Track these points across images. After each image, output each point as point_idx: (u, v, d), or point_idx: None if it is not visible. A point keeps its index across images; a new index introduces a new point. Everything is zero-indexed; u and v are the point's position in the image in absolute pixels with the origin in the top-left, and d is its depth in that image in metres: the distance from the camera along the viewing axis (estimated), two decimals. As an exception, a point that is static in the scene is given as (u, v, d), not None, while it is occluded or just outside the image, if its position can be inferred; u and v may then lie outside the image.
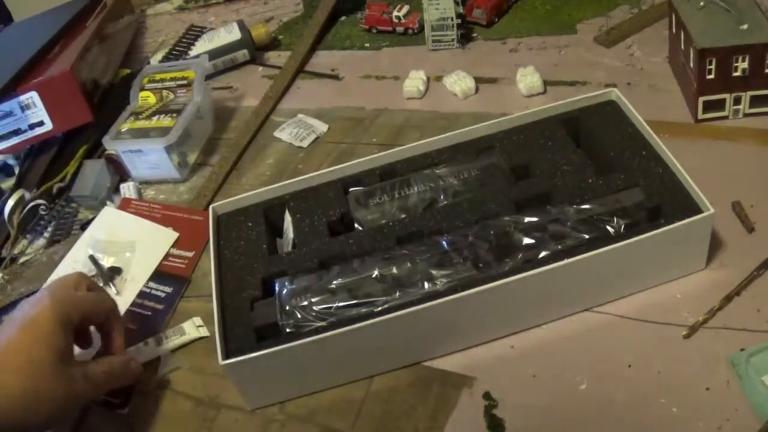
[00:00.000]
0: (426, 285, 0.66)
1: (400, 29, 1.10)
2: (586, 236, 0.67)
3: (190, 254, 0.83)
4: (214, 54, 1.10)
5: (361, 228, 0.74)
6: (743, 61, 0.78)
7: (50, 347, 0.61)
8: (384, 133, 0.94)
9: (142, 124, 0.94)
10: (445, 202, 0.74)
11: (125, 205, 0.91)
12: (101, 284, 0.80)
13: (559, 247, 0.66)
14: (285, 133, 0.97)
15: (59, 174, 0.96)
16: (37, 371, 0.60)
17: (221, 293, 0.70)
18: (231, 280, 0.71)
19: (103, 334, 0.70)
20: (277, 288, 0.68)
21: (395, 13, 1.10)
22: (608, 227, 0.67)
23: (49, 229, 0.92)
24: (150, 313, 0.78)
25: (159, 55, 1.14)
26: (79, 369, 0.64)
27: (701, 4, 0.83)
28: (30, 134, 0.98)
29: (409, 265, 0.67)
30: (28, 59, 1.00)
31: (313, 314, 0.66)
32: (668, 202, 0.68)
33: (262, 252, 0.73)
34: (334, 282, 0.67)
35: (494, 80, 0.98)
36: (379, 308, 0.65)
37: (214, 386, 0.70)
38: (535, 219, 0.68)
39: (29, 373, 0.60)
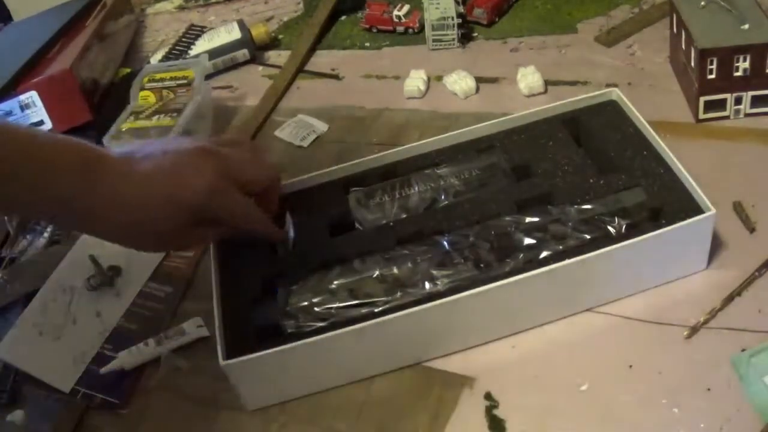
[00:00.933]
0: (427, 285, 0.66)
1: (400, 29, 1.10)
2: (587, 236, 0.67)
3: (190, 254, 0.83)
4: (214, 53, 1.10)
5: (361, 228, 0.74)
6: (744, 60, 0.78)
7: (189, 208, 0.62)
8: (384, 132, 0.94)
9: (142, 123, 0.94)
10: (446, 202, 0.74)
11: (125, 205, 0.90)
12: (101, 284, 0.80)
13: (560, 247, 0.66)
14: (285, 133, 0.97)
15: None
16: (171, 214, 0.61)
17: (221, 293, 0.70)
18: (231, 280, 0.71)
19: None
20: (277, 288, 0.68)
21: (395, 13, 1.10)
22: (609, 227, 0.67)
23: (49, 229, 0.92)
24: (150, 313, 0.78)
25: (159, 55, 1.14)
26: (203, 230, 0.65)
27: (702, 3, 0.82)
28: (30, 134, 0.97)
29: (409, 265, 0.67)
30: (27, 59, 1.00)
31: (314, 315, 0.66)
32: (669, 202, 0.68)
33: (263, 252, 0.73)
34: (335, 282, 0.67)
35: (495, 80, 0.98)
36: (380, 308, 0.65)
37: (214, 386, 0.70)
38: (536, 219, 0.68)
39: (164, 212, 0.61)
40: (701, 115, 0.83)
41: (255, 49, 1.12)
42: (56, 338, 0.77)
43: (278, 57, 1.13)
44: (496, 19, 1.08)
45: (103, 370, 0.73)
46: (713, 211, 0.65)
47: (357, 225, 0.74)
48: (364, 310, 0.65)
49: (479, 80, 0.97)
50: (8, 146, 0.57)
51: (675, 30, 0.87)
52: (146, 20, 1.31)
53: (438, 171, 0.77)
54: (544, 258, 0.66)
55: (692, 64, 0.81)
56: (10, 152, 0.57)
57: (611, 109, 0.78)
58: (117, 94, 1.06)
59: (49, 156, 0.58)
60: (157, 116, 0.94)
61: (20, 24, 1.25)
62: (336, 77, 1.06)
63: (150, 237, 0.64)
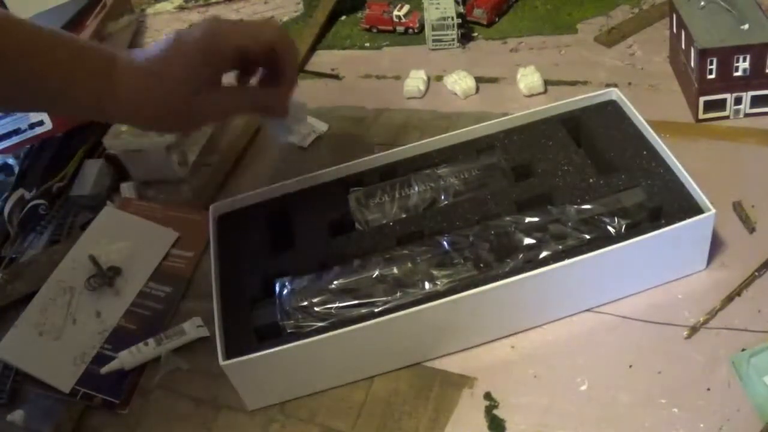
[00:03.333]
0: (427, 285, 0.66)
1: (400, 29, 1.10)
2: (587, 236, 0.67)
3: (190, 254, 0.83)
4: (214, 53, 1.09)
5: (361, 228, 0.74)
6: (744, 60, 0.78)
7: (187, 73, 0.65)
8: (384, 132, 0.94)
9: (142, 123, 0.94)
10: (446, 202, 0.74)
11: (125, 205, 0.90)
12: (101, 284, 0.80)
13: (560, 247, 0.66)
14: (285, 133, 0.97)
15: (59, 174, 0.96)
16: (170, 88, 0.65)
17: (221, 293, 0.70)
18: (231, 280, 0.71)
19: (271, 66, 0.70)
20: (277, 288, 0.68)
21: (395, 13, 1.10)
22: (609, 227, 0.67)
23: (49, 229, 0.92)
24: (150, 313, 0.78)
25: (159, 55, 1.14)
26: (210, 97, 0.67)
27: (702, 4, 0.82)
28: (30, 134, 0.97)
29: (409, 265, 0.67)
30: (27, 59, 0.99)
31: (314, 314, 0.66)
32: (669, 202, 0.68)
33: (263, 252, 0.73)
34: (335, 282, 0.67)
35: (495, 80, 0.98)
36: (380, 308, 0.65)
37: (214, 386, 0.70)
38: (535, 219, 0.68)
39: (160, 89, 0.65)
40: (701, 115, 0.83)
41: (255, 49, 1.12)
42: (56, 338, 0.77)
43: (278, 57, 1.13)
44: (496, 19, 1.08)
45: (103, 370, 0.73)
46: (713, 211, 0.65)
47: (357, 225, 0.74)
48: (364, 310, 0.65)
49: (479, 80, 0.97)
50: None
51: (675, 30, 0.87)
52: (146, 20, 1.30)
53: (438, 171, 0.77)
54: (544, 258, 0.66)
55: (692, 64, 0.81)
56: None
57: (611, 109, 0.78)
58: (117, 94, 1.06)
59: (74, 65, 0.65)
60: (157, 116, 0.94)
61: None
62: (336, 77, 1.06)
63: (172, 104, 0.66)
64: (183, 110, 0.66)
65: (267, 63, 0.69)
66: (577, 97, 0.79)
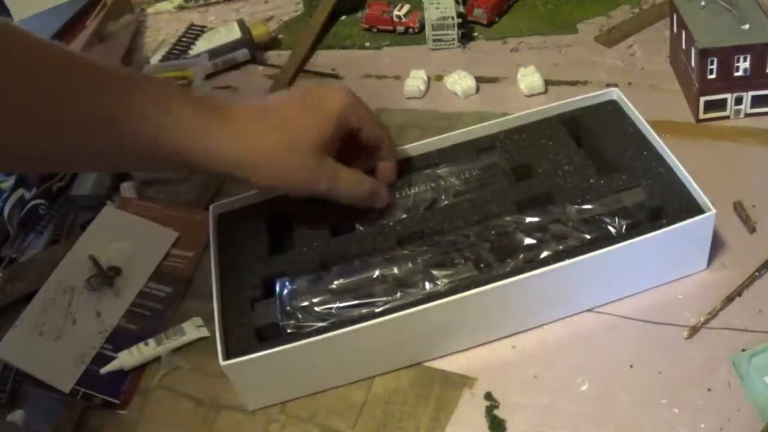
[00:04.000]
0: (427, 285, 0.66)
1: (400, 28, 1.10)
2: (588, 236, 0.67)
3: (190, 254, 0.83)
4: (214, 53, 1.09)
5: (361, 228, 0.74)
6: (744, 60, 0.78)
7: (319, 129, 0.63)
8: (384, 132, 0.94)
9: (142, 123, 0.94)
10: (446, 202, 0.74)
11: (125, 205, 0.90)
12: (101, 284, 0.80)
13: (561, 247, 0.66)
14: (285, 133, 0.97)
15: (59, 174, 0.96)
16: (295, 142, 0.62)
17: (221, 294, 0.70)
18: (231, 280, 0.71)
19: (372, 156, 0.71)
20: (277, 288, 0.68)
21: (396, 13, 1.10)
22: (610, 227, 0.67)
23: (49, 228, 0.92)
24: (150, 313, 0.78)
25: (159, 55, 1.14)
26: (331, 167, 0.65)
27: (702, 3, 0.82)
28: (30, 134, 0.97)
29: (410, 265, 0.67)
30: (27, 58, 0.99)
31: (314, 315, 0.66)
32: (670, 202, 0.68)
33: (263, 252, 0.73)
34: (335, 282, 0.67)
35: (495, 80, 0.98)
36: (380, 309, 0.65)
37: (214, 386, 0.70)
38: (536, 219, 0.68)
39: (287, 141, 0.62)
40: (701, 115, 0.83)
41: (255, 49, 1.12)
42: (56, 338, 0.77)
43: (278, 57, 1.12)
44: (496, 19, 1.08)
45: (103, 370, 0.73)
46: (713, 211, 0.65)
47: (357, 225, 0.74)
48: (364, 310, 0.65)
49: (479, 80, 0.97)
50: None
51: (675, 30, 0.87)
52: (146, 20, 1.30)
53: (438, 171, 0.77)
54: (545, 258, 0.66)
55: (692, 64, 0.81)
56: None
57: (611, 109, 0.78)
58: (117, 94, 1.06)
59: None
60: (157, 116, 0.94)
61: (20, 24, 1.25)
62: (336, 77, 1.06)
63: (296, 157, 0.64)
64: (304, 166, 0.64)
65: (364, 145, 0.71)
66: (577, 97, 0.79)
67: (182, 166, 0.65)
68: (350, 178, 0.68)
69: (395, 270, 0.67)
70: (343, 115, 0.66)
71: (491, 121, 0.79)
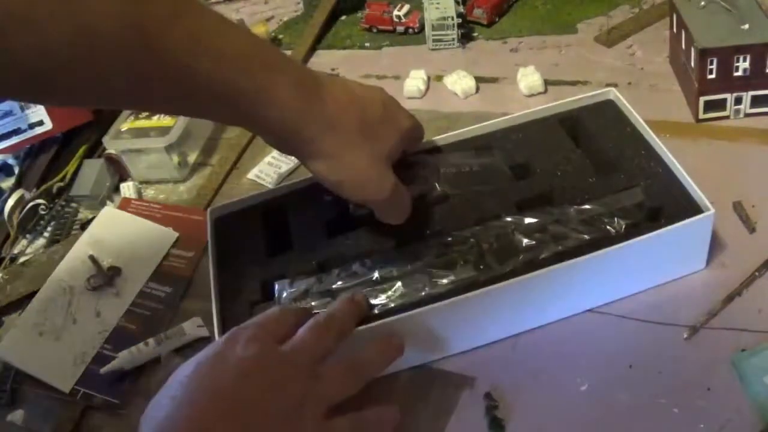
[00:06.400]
0: (427, 286, 0.66)
1: (400, 28, 1.10)
2: (587, 237, 0.66)
3: (190, 254, 0.83)
4: (214, 53, 1.09)
5: (360, 229, 0.73)
6: (744, 60, 0.78)
7: (395, 141, 0.66)
8: (384, 132, 0.94)
9: (142, 123, 0.94)
10: (446, 203, 0.74)
11: (125, 205, 0.90)
12: (101, 284, 0.80)
13: (560, 247, 0.66)
14: (285, 133, 0.97)
15: (59, 174, 0.96)
16: (377, 152, 0.64)
17: (221, 294, 0.70)
18: (230, 283, 0.71)
19: None
20: (276, 291, 0.68)
21: (395, 13, 1.10)
22: (609, 227, 0.67)
23: (49, 229, 0.92)
24: (150, 313, 0.78)
25: (159, 55, 1.14)
26: (394, 178, 0.66)
27: (702, 3, 0.82)
28: (30, 134, 0.98)
29: (409, 266, 0.67)
30: (27, 59, 0.99)
31: (314, 315, 0.66)
32: (669, 202, 0.68)
33: (261, 254, 0.72)
34: (334, 285, 0.67)
35: (495, 80, 0.98)
36: (379, 310, 0.65)
37: (215, 387, 0.70)
38: (535, 220, 0.68)
39: (372, 152, 0.64)
40: (701, 115, 0.83)
41: (255, 49, 1.12)
42: (56, 338, 0.77)
43: (278, 57, 1.12)
44: (496, 19, 1.08)
45: (103, 370, 0.73)
46: (712, 211, 0.65)
47: (356, 226, 0.74)
48: (363, 312, 0.65)
49: (479, 80, 0.97)
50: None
51: (675, 30, 0.87)
52: (146, 20, 1.30)
53: (437, 171, 0.76)
54: (544, 258, 0.66)
55: (692, 64, 0.81)
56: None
57: (610, 109, 0.78)
58: (117, 94, 1.06)
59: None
60: (157, 116, 0.94)
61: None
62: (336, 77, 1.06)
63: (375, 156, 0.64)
64: (380, 176, 0.65)
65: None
66: (574, 97, 0.79)
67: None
68: (406, 193, 0.69)
69: (394, 271, 0.67)
70: (407, 135, 0.69)
71: (490, 121, 0.79)
